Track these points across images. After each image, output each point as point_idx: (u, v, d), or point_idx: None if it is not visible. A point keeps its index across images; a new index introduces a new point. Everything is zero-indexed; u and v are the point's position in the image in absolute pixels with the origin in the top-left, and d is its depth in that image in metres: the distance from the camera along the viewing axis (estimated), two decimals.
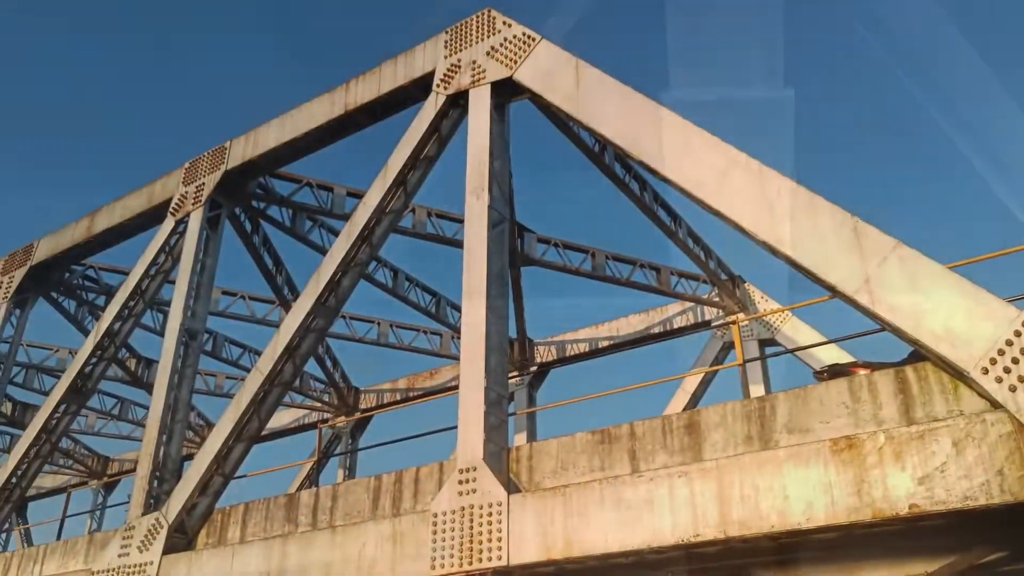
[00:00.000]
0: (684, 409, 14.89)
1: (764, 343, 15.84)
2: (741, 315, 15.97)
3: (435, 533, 7.38)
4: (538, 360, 18.28)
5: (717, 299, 16.33)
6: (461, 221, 14.42)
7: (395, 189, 10.27)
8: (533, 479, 7.78)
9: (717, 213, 7.62)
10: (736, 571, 8.84)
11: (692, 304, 17.10)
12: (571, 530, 6.68)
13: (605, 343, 18.09)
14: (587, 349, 18.20)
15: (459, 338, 18.73)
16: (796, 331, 15.38)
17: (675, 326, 17.40)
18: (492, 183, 9.11)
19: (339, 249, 10.25)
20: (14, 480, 12.97)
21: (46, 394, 20.62)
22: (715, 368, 16.02)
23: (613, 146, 8.68)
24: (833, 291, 6.85)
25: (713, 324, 16.73)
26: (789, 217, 7.09)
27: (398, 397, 20.54)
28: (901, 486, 5.67)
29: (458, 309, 17.74)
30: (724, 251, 16.54)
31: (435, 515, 7.48)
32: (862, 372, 7.66)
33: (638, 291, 15.98)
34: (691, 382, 16.40)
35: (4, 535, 23.64)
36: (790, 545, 7.02)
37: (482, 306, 8.32)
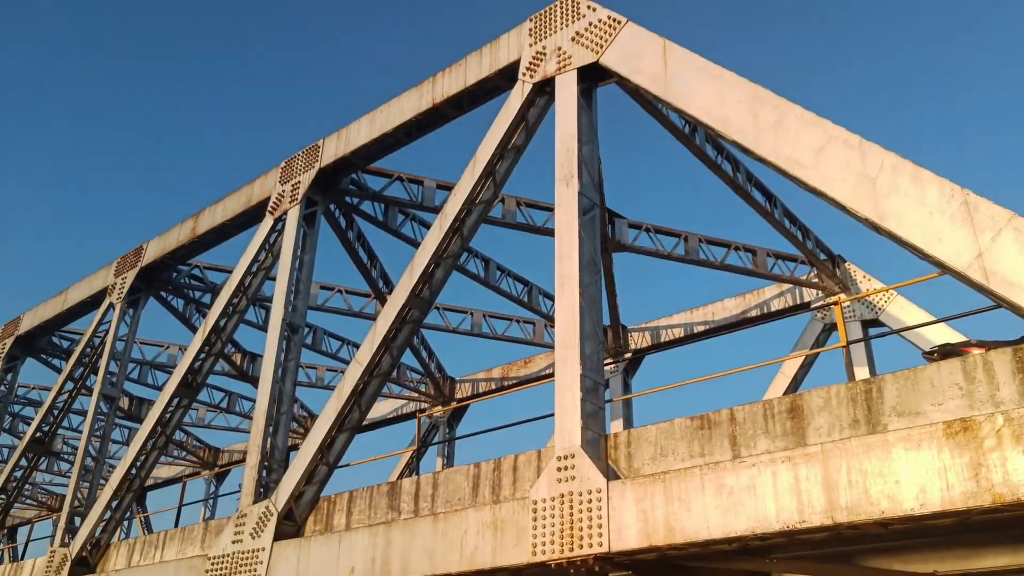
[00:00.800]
0: (785, 394, 14.52)
1: (868, 324, 15.32)
2: (843, 296, 15.49)
3: (535, 520, 7.43)
4: (632, 347, 18.14)
5: (816, 280, 15.86)
6: (551, 209, 14.44)
7: (484, 180, 10.34)
8: (632, 466, 7.74)
9: (815, 191, 7.40)
10: (844, 558, 8.62)
11: (790, 286, 16.67)
12: (672, 516, 6.62)
13: (700, 328, 17.81)
14: (682, 335, 17.96)
15: (552, 326, 18.80)
16: (902, 311, 14.81)
17: (772, 309, 16.99)
18: (581, 169, 9.07)
19: (431, 241, 10.39)
20: (133, 471, 13.65)
21: (159, 389, 21.66)
22: (816, 351, 15.57)
23: (704, 127, 8.52)
24: (942, 267, 6.57)
25: (813, 306, 16.27)
26: (893, 192, 6.82)
27: (492, 386, 20.73)
28: (1023, 470, 5.40)
29: (550, 297, 17.77)
30: (823, 230, 16.05)
31: (535, 502, 7.52)
32: (976, 351, 7.33)
33: (733, 274, 15.68)
34: (791, 366, 16.00)
35: (126, 522, 24.93)
36: (902, 532, 6.78)
37: (575, 293, 8.30)
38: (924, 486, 5.67)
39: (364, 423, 10.99)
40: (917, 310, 14.74)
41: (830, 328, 15.98)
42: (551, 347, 19.18)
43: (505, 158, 10.35)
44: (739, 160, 13.50)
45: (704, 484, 6.56)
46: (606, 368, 17.45)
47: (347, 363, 20.01)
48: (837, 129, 7.40)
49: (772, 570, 9.62)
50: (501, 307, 18.88)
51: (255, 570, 9.83)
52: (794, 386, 15.92)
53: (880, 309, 15.09)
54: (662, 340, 18.07)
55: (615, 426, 16.81)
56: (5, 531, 35.09)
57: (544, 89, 10.03)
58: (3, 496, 16.86)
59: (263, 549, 9.91)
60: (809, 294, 16.43)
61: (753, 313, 17.14)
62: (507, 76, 10.61)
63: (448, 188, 13.47)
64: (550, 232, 14.04)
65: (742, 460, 6.49)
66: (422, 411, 21.06)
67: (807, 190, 7.52)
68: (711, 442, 7.35)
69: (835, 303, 12.14)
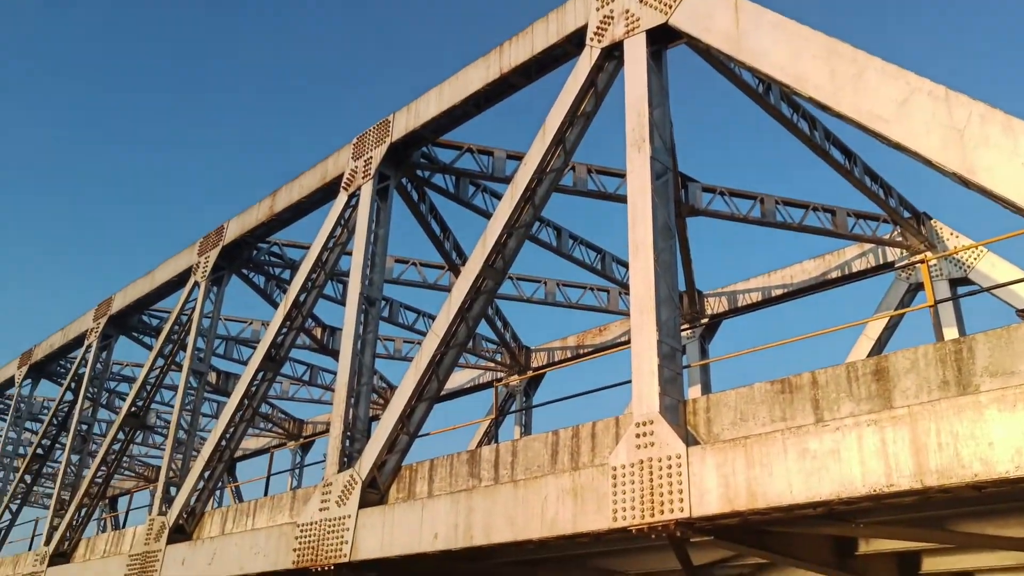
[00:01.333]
0: (869, 356, 14.17)
1: (956, 282, 14.78)
2: (928, 254, 14.97)
3: (615, 486, 7.45)
4: (709, 312, 17.91)
5: (900, 239, 15.36)
6: (623, 175, 14.30)
7: (554, 148, 10.28)
8: (711, 431, 7.68)
9: (898, 146, 7.14)
10: (934, 522, 8.41)
11: (872, 246, 16.18)
12: (754, 481, 6.55)
13: (778, 292, 17.46)
14: (759, 299, 17.65)
15: (627, 294, 18.71)
16: (993, 268, 14.24)
17: (854, 270, 16.54)
18: (653, 134, 8.94)
19: (503, 211, 10.41)
20: (223, 443, 14.15)
21: (244, 363, 22.36)
22: (901, 312, 15.11)
23: (778, 84, 8.29)
24: None
25: (897, 265, 15.77)
26: (982, 143, 6.53)
27: (568, 355, 20.76)
28: None
29: (624, 265, 17.65)
30: (906, 187, 15.51)
31: (614, 468, 7.54)
32: None
33: (812, 235, 15.30)
34: (874, 328, 15.58)
35: (218, 492, 25.90)
36: (996, 495, 6.57)
37: (649, 259, 8.22)
38: (1020, 448, 5.48)
39: (442, 393, 11.16)
40: (1009, 267, 14.15)
41: (916, 288, 15.48)
42: (626, 314, 19.09)
43: (575, 125, 10.26)
44: (816, 118, 13.11)
45: (786, 448, 6.46)
46: (683, 334, 17.28)
47: (424, 335, 20.31)
48: (920, 80, 7.11)
49: (858, 535, 9.46)
50: (574, 275, 18.87)
51: (342, 536, 10.12)
52: (878, 348, 15.50)
53: (969, 267, 14.54)
54: (739, 304, 17.79)
55: (693, 392, 16.68)
56: (107, 501, 36.91)
57: (612, 53, 9.88)
58: (104, 468, 17.69)
59: (349, 516, 10.19)
60: (892, 253, 15.92)
61: (833, 275, 16.72)
62: (574, 42, 10.49)
63: (518, 158, 13.45)
64: (622, 199, 13.91)
65: (825, 424, 6.37)
66: (499, 380, 21.24)
67: (889, 145, 7.26)
68: (792, 406, 7.23)
69: (921, 262, 11.76)
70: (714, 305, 17.97)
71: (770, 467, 6.50)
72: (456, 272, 15.86)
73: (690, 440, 7.56)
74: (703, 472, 6.91)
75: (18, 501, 21.73)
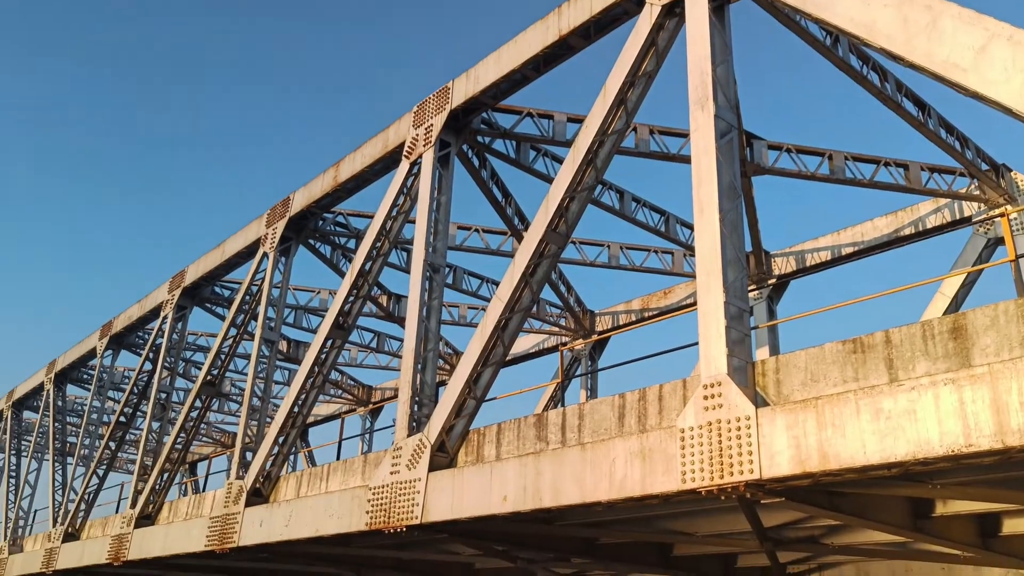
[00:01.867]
0: (945, 314, 13.77)
1: None
2: (1009, 207, 14.41)
3: (683, 448, 7.43)
4: (776, 272, 17.60)
5: (977, 192, 14.82)
6: (686, 135, 14.07)
7: (615, 109, 10.15)
8: (781, 392, 7.58)
9: (976, 95, 6.85)
10: (1016, 483, 8.20)
11: (947, 200, 15.65)
12: (826, 442, 6.46)
13: (848, 250, 17.05)
14: (829, 257, 17.26)
15: (692, 256, 18.49)
16: None
17: (928, 226, 16.04)
18: (716, 91, 8.75)
19: (564, 175, 10.35)
20: (295, 409, 14.52)
21: (313, 332, 22.85)
22: (979, 267, 14.62)
23: (847, 35, 8.01)
24: None
25: (974, 220, 15.23)
26: None
27: (632, 318, 20.67)
28: None
29: (688, 226, 17.43)
30: (984, 138, 14.91)
31: (682, 430, 7.51)
32: None
33: (884, 191, 14.86)
34: (951, 285, 15.11)
35: (292, 457, 26.64)
36: None
37: (715, 220, 8.10)
38: None
39: (508, 358, 11.22)
40: None
41: (995, 243, 14.94)
42: (691, 276, 18.89)
43: (636, 86, 10.11)
44: (887, 69, 12.67)
45: (859, 409, 6.35)
46: (750, 295, 17.03)
47: (487, 301, 20.43)
48: (1000, 25, 6.80)
49: (935, 496, 9.29)
50: (638, 238, 18.72)
51: (413, 499, 10.33)
52: (955, 306, 15.05)
53: None
54: (807, 264, 17.44)
55: (761, 353, 16.46)
56: (187, 466, 38.34)
57: (674, 11, 9.67)
58: (183, 435, 18.33)
59: (419, 479, 10.39)
60: (969, 208, 15.38)
61: (907, 231, 16.24)
62: (634, 0, 10.29)
63: (579, 121, 13.33)
64: (686, 159, 13.70)
65: (900, 384, 6.23)
66: (563, 345, 21.29)
67: (966, 95, 6.98)
68: (865, 366, 7.09)
69: (1001, 215, 11.33)
70: (782, 265, 17.64)
71: (843, 428, 6.40)
72: (519, 237, 15.87)
73: (759, 401, 7.48)
74: (773, 433, 6.84)
75: (104, 467, 22.69)
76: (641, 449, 7.83)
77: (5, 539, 27.19)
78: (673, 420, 8.27)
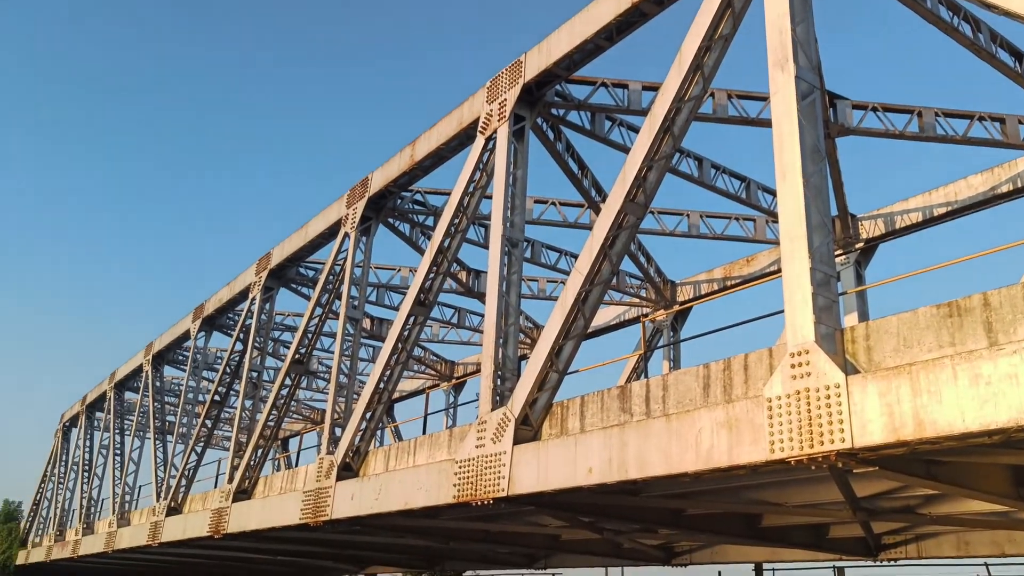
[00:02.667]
0: None
1: None
2: None
3: (770, 418, 7.32)
4: (864, 236, 17.08)
5: None
6: (765, 99, 13.71)
7: (692, 75, 9.95)
8: (872, 359, 7.39)
9: None
10: None
11: None
12: (921, 409, 6.28)
13: (941, 210, 16.40)
14: (919, 219, 16.64)
15: (774, 222, 18.06)
16: None
17: None
18: (796, 51, 8.49)
19: (641, 144, 10.22)
20: (381, 385, 14.83)
21: (395, 309, 23.25)
22: None
23: None
24: None
25: None
26: None
27: (715, 287, 20.36)
28: None
29: (771, 192, 17.05)
30: None
31: (769, 400, 7.40)
32: None
33: (979, 148, 14.22)
34: None
35: (379, 432, 27.21)
36: None
37: (798, 184, 7.90)
38: None
39: (589, 330, 11.21)
40: None
41: None
42: (775, 243, 18.48)
43: (712, 50, 9.88)
44: (980, 19, 12.07)
45: (957, 374, 6.14)
46: (836, 260, 16.58)
47: (566, 274, 20.42)
48: None
49: None
50: (718, 206, 18.45)
51: (499, 472, 10.47)
52: None
53: None
54: (897, 227, 16.86)
55: (850, 320, 16.04)
56: (279, 442, 39.63)
57: None
58: (274, 412, 18.95)
59: (504, 452, 10.51)
60: None
61: (1004, 188, 15.52)
62: None
63: (654, 89, 13.13)
64: (766, 123, 13.36)
65: (1000, 348, 6.00)
66: (645, 316, 21.15)
67: None
68: (962, 330, 6.84)
69: None
70: (869, 229, 17.10)
71: (939, 394, 6.21)
72: (596, 209, 15.78)
73: (849, 369, 7.31)
74: (864, 401, 6.68)
75: (201, 444, 23.64)
76: (727, 419, 7.75)
77: (114, 513, 28.65)
78: (760, 389, 8.14)
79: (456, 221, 14.07)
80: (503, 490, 10.32)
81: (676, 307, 20.72)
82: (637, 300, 21.38)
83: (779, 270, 7.84)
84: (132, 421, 31.48)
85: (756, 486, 12.37)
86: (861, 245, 17.01)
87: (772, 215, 17.38)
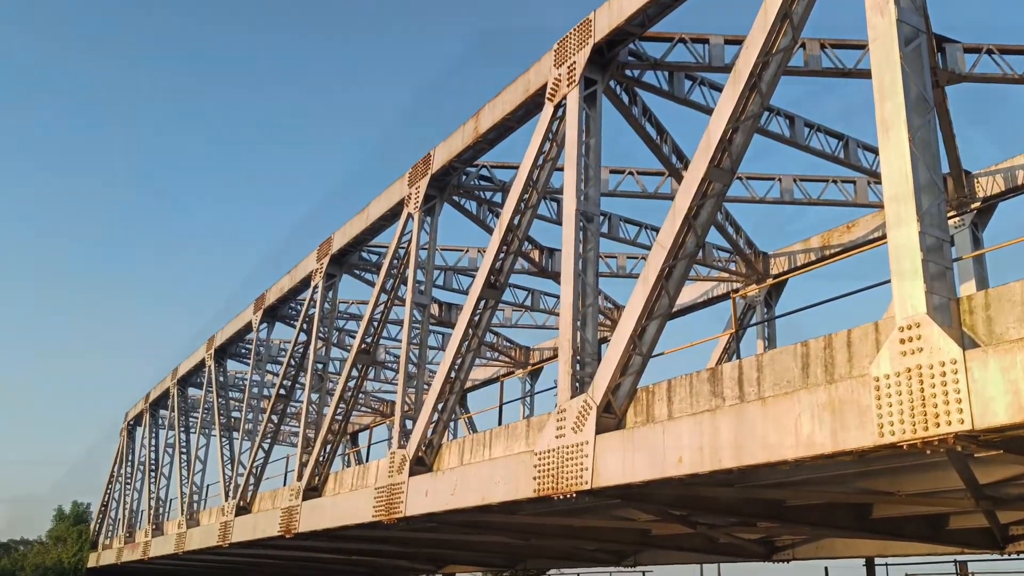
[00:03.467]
0: None
1: None
2: None
3: (878, 399, 7.17)
4: (980, 195, 16.49)
5: None
6: (863, 47, 13.32)
7: (779, 24, 9.73)
8: (992, 331, 7.16)
9: None
10: None
11: None
12: None
13: None
14: None
15: (877, 183, 17.59)
16: None
17: None
18: None
19: (726, 104, 10.06)
20: (452, 374, 15.02)
21: (465, 293, 23.44)
22: None
23: None
24: None
25: None
26: None
27: (812, 258, 19.96)
28: None
29: (872, 150, 16.60)
30: None
31: (876, 379, 7.24)
32: None
33: None
34: None
35: (452, 424, 27.54)
36: None
37: (903, 139, 7.66)
38: None
39: (674, 309, 11.13)
40: None
41: None
42: (878, 206, 18.00)
43: None
44: None
45: None
46: (949, 223, 16.07)
47: (647, 249, 20.27)
48: None
49: None
50: (813, 168, 18.01)
51: (581, 463, 10.51)
52: None
53: None
54: (1019, 183, 16.22)
55: (966, 289, 15.54)
56: (348, 437, 40.51)
57: None
58: (342, 405, 19.36)
59: (587, 442, 10.54)
60: None
61: None
62: None
63: (738, 42, 12.88)
64: (865, 73, 12.98)
65: None
66: (735, 291, 20.87)
67: None
68: None
69: None
70: (987, 186, 16.50)
71: None
72: (678, 177, 15.60)
73: (967, 343, 7.10)
74: (986, 378, 6.48)
75: (268, 440, 24.34)
76: (830, 401, 7.61)
77: (183, 514, 29.77)
78: (865, 368, 7.98)
79: (526, 196, 14.10)
80: (586, 483, 10.37)
81: (769, 281, 20.37)
82: (726, 275, 21.10)
83: (884, 236, 7.64)
84: (197, 418, 32.59)
85: (864, 473, 12.13)
86: (977, 205, 16.43)
87: (875, 176, 16.91)
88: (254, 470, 24.07)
